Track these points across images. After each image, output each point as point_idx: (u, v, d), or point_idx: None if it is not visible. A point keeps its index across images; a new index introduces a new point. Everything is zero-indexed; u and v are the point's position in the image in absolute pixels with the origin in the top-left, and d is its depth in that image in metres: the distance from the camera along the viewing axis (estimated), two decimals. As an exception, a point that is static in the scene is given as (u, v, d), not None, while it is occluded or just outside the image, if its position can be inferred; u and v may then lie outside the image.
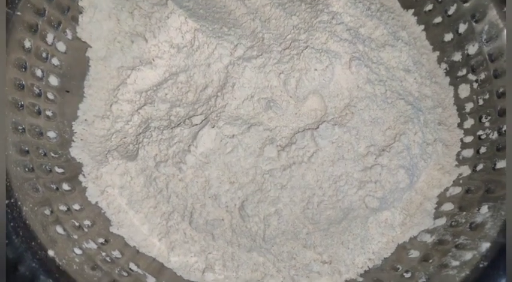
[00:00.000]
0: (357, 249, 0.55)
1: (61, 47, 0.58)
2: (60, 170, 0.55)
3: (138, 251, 0.56)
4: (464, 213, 0.53)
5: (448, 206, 0.56)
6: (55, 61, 0.58)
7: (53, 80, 0.57)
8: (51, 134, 0.56)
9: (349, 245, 0.56)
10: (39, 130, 0.54)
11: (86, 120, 0.60)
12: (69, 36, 0.59)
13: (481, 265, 0.46)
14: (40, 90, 0.55)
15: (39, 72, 0.55)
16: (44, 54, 0.56)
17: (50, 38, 0.56)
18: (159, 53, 0.61)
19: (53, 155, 0.55)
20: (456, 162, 0.59)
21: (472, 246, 0.48)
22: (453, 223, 0.53)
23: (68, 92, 0.60)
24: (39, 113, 0.55)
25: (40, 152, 0.53)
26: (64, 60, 0.59)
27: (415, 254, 0.54)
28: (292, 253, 0.55)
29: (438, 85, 0.63)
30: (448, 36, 0.63)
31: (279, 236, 0.54)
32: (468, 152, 0.58)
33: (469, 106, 0.60)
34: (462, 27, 0.61)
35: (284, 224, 0.53)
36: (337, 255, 0.55)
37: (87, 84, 0.62)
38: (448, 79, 0.63)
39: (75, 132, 0.59)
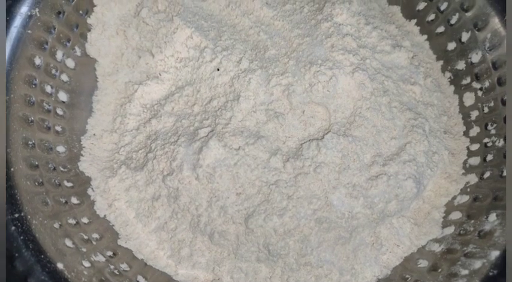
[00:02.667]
0: (366, 259, 0.55)
1: (70, 63, 0.60)
2: (69, 184, 0.56)
3: (146, 264, 0.56)
4: (473, 221, 0.52)
5: (456, 215, 0.55)
6: (64, 77, 0.59)
7: (62, 96, 0.59)
8: (60, 148, 0.57)
9: (358, 255, 0.55)
10: (49, 145, 0.55)
11: (94, 134, 0.61)
12: (78, 53, 0.61)
13: (490, 273, 0.46)
14: (50, 105, 0.56)
15: (48, 89, 0.56)
16: (53, 71, 0.57)
17: (59, 54, 0.58)
18: (165, 67, 0.62)
19: (62, 169, 0.56)
20: (463, 171, 0.58)
21: (481, 255, 0.48)
22: (461, 231, 0.53)
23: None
24: (48, 128, 0.56)
25: (49, 166, 0.54)
26: (73, 76, 0.60)
27: (423, 263, 0.53)
28: (299, 264, 0.54)
29: (443, 94, 0.63)
30: (451, 45, 0.63)
31: (286, 247, 0.54)
32: (475, 160, 0.58)
33: (474, 114, 0.60)
34: (465, 36, 0.61)
35: (291, 234, 0.53)
36: (346, 266, 0.55)
37: (96, 100, 0.63)
38: (452, 88, 0.64)
39: (84, 147, 0.60)
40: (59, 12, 0.57)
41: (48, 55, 0.56)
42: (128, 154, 0.60)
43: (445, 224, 0.56)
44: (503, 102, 0.55)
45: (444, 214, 0.57)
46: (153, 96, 0.62)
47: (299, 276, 0.54)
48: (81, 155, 0.59)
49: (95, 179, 0.59)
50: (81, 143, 0.60)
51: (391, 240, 0.56)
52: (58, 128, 0.57)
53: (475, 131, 0.59)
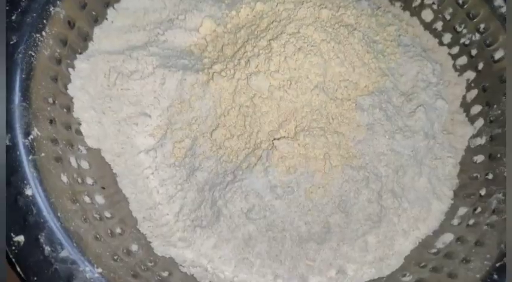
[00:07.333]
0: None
1: (84, 164, 0.55)
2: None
3: None
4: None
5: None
6: (89, 180, 0.55)
7: (99, 199, 0.54)
8: (134, 247, 0.54)
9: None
10: (122, 248, 0.51)
11: (144, 217, 0.57)
12: (84, 151, 0.56)
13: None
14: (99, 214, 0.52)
15: (87, 199, 0.52)
16: (79, 179, 0.53)
17: (73, 161, 0.53)
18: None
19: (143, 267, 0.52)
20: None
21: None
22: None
23: (103, 188, 0.56)
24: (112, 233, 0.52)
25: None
26: (94, 174, 0.56)
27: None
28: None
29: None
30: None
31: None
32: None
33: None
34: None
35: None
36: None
37: (122, 185, 0.58)
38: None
39: (145, 234, 0.56)
40: (51, 121, 0.52)
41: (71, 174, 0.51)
42: (190, 215, 0.57)
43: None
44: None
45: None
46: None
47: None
48: (150, 242, 0.55)
49: (177, 256, 0.55)
50: (141, 230, 0.56)
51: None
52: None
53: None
